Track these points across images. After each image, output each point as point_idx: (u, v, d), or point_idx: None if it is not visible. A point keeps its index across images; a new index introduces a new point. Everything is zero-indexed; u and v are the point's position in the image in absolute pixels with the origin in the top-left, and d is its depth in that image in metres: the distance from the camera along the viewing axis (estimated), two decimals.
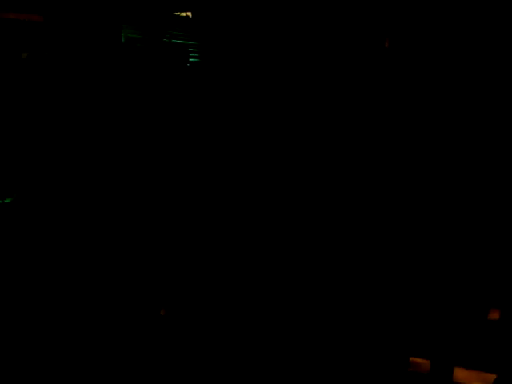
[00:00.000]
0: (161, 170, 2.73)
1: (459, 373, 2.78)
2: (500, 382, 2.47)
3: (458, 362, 2.78)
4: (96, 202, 2.37)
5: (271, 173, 2.94)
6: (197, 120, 3.17)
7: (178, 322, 1.94)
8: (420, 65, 4.06)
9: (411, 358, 2.84)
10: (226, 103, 3.15)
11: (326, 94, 3.66)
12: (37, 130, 3.06)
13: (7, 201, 2.41)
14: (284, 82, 4.06)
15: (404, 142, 2.89)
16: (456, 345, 2.61)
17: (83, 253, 2.24)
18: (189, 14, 6.46)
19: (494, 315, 3.17)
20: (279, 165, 3.11)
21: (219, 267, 2.09)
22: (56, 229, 2.33)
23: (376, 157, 2.85)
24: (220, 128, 3.09)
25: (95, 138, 3.01)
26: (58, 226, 2.32)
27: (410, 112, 3.08)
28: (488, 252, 2.79)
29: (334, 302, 2.82)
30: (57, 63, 4.11)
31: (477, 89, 3.40)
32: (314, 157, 2.97)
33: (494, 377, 2.58)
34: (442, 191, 2.61)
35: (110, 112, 3.17)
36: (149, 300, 2.29)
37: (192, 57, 5.14)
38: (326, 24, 5.47)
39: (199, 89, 3.66)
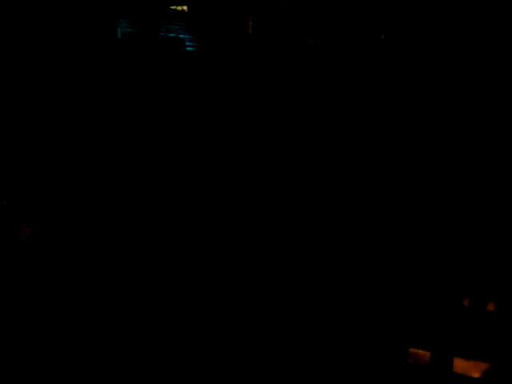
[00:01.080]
0: (160, 167, 2.73)
1: (458, 363, 2.82)
2: (494, 371, 2.51)
3: (457, 353, 2.82)
4: (95, 202, 2.37)
5: (269, 168, 2.95)
6: (195, 115, 3.17)
7: (178, 322, 1.96)
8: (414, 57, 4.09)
9: (411, 349, 2.87)
10: (223, 97, 3.15)
11: (323, 86, 3.66)
12: (32, 128, 3.05)
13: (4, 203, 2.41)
14: (280, 76, 4.06)
15: (401, 139, 2.91)
16: (455, 336, 2.65)
17: (82, 253, 2.25)
18: (185, 7, 6.43)
19: (490, 306, 3.21)
20: (277, 160, 3.12)
21: (219, 267, 2.09)
22: (56, 229, 2.34)
23: (374, 155, 2.87)
24: (218, 122, 3.10)
25: (92, 135, 3.00)
26: (58, 227, 2.33)
27: (407, 107, 3.10)
28: (485, 244, 2.82)
29: (334, 295, 2.84)
30: (54, 59, 4.08)
31: (474, 84, 3.42)
32: (312, 152, 2.98)
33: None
34: (440, 188, 2.64)
35: (107, 108, 3.16)
36: (149, 299, 2.31)
37: (190, 51, 5.13)
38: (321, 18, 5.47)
39: (197, 83, 3.66)
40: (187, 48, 5.31)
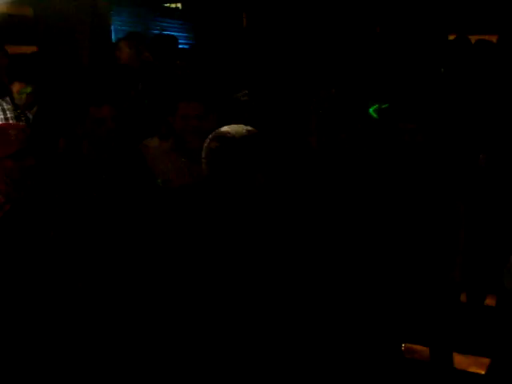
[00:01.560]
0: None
1: (456, 358, 2.81)
2: (495, 366, 2.50)
3: (456, 348, 2.81)
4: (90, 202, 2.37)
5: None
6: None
7: (176, 322, 1.96)
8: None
9: (411, 345, 2.87)
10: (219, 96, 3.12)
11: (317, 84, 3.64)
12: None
13: None
14: (275, 72, 4.03)
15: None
16: (455, 331, 2.64)
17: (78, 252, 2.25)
18: (179, 5, 6.41)
19: (490, 301, 3.20)
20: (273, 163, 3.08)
21: (217, 266, 2.09)
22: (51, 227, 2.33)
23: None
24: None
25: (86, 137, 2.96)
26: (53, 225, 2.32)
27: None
28: (484, 239, 2.81)
29: (330, 292, 2.83)
30: (45, 58, 4.06)
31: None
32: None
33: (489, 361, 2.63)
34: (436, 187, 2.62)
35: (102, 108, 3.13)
36: (146, 300, 2.30)
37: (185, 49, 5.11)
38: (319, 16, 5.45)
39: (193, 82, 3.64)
40: (183, 46, 5.30)
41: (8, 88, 3.31)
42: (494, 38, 4.56)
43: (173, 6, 6.46)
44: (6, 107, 3.28)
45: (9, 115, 3.29)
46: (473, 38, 3.74)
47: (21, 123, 3.18)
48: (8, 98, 3.28)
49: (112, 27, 5.39)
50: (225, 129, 1.91)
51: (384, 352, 2.71)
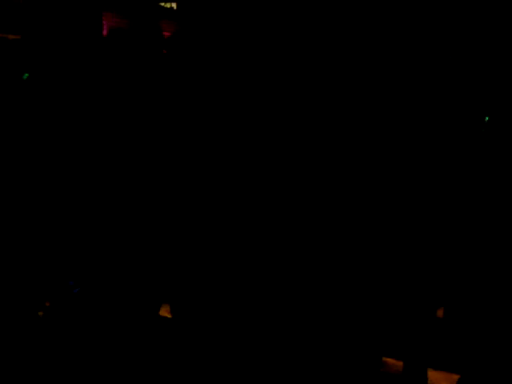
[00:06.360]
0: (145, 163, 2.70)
1: (429, 373, 2.87)
2: (463, 381, 2.55)
3: (429, 363, 2.87)
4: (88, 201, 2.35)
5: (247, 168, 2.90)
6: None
7: (177, 322, 1.96)
8: None
9: (384, 359, 2.91)
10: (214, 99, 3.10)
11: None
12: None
13: None
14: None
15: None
16: (428, 345, 2.69)
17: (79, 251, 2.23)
18: (174, 5, 6.37)
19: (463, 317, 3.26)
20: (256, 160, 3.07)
21: (217, 267, 2.08)
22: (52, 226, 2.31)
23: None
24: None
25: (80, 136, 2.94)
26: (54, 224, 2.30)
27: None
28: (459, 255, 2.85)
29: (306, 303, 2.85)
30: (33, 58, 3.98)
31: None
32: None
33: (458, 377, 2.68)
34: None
35: (95, 112, 3.11)
36: (147, 300, 2.29)
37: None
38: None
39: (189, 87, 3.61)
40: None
41: None
42: None
43: (167, 5, 6.41)
44: None
45: None
46: None
47: None
48: None
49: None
50: None
51: (362, 364, 2.75)
